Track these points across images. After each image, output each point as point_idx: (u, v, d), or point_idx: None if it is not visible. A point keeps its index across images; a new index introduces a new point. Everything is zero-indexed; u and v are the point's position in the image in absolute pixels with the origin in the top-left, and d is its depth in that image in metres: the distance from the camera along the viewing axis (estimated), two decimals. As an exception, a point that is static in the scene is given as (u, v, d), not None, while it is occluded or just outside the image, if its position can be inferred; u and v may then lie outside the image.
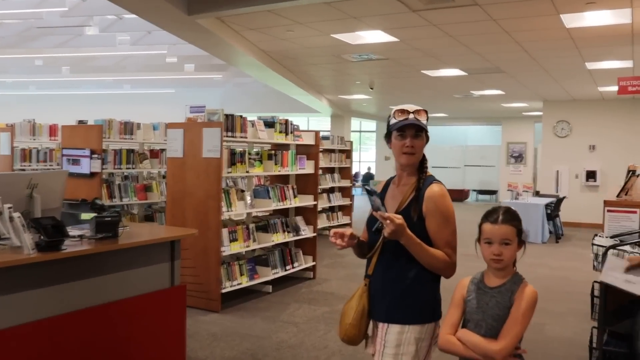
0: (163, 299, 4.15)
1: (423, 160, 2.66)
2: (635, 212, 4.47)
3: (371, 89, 12.85)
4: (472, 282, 2.50)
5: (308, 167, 7.84)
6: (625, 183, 5.20)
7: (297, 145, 7.78)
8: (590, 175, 14.55)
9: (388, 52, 8.51)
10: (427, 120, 2.60)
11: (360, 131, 24.81)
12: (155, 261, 4.08)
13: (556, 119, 15.11)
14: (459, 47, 7.91)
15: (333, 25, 6.93)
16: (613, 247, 3.99)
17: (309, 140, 7.96)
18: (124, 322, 3.81)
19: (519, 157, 20.85)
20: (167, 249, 4.16)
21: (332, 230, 2.60)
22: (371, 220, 2.67)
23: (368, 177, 24.23)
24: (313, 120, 22.45)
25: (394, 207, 2.58)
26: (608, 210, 4.55)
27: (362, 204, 18.69)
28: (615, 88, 12.38)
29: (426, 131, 2.61)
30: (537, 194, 14.12)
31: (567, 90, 12.85)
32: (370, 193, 2.42)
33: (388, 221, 2.36)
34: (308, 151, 7.95)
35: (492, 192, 21.54)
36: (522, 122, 20.74)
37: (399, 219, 2.38)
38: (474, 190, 22.20)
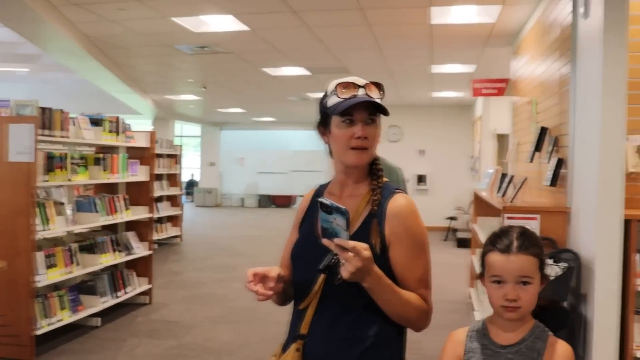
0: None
1: (374, 159, 1.82)
2: (534, 219, 4.04)
3: (204, 88, 11.79)
4: (471, 337, 1.70)
5: (141, 174, 6.69)
6: (519, 188, 4.81)
7: (128, 148, 6.60)
8: (421, 179, 14.89)
9: (233, 44, 7.57)
10: (382, 98, 1.75)
11: (181, 136, 23.36)
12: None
13: (389, 124, 15.21)
14: (312, 41, 7.22)
15: (175, 6, 5.85)
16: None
17: (141, 142, 6.80)
18: None
19: (344, 163, 20.99)
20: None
21: (250, 272, 1.67)
22: (306, 250, 1.78)
23: (191, 184, 22.91)
24: (131, 124, 20.66)
25: None
26: (508, 218, 4.05)
27: (191, 215, 17.38)
28: (447, 94, 12.68)
29: (382, 113, 1.75)
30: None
31: (402, 95, 12.86)
32: (327, 209, 1.49)
33: (350, 254, 1.48)
34: (141, 155, 6.80)
35: (319, 197, 21.38)
36: (349, 128, 20.89)
37: (366, 249, 1.50)
38: (301, 196, 21.80)
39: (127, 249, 6.37)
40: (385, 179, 1.81)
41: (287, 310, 1.87)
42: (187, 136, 24.00)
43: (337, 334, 1.68)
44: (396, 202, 1.72)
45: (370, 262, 1.51)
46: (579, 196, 3.87)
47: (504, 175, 5.64)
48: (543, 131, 4.75)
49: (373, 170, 1.80)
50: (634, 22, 3.60)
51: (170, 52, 8.02)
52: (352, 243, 1.47)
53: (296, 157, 21.86)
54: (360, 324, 1.68)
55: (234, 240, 12.47)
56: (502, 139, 11.52)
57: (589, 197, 3.61)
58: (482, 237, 5.18)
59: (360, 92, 1.71)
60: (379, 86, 1.74)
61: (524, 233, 1.64)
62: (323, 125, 1.81)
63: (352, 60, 8.60)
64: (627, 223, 3.42)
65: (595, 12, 3.58)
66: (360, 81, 1.72)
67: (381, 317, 1.67)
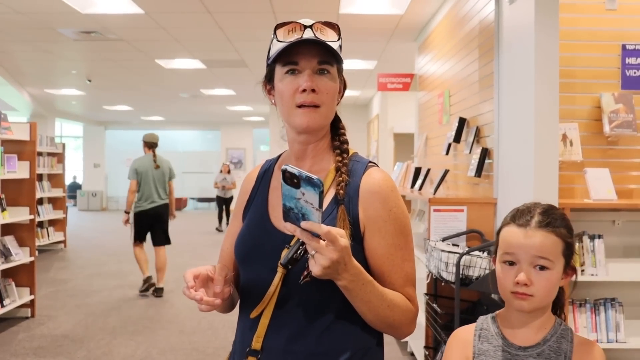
0: None
1: (337, 123, 1.47)
2: (461, 211, 3.88)
3: (88, 81, 10.93)
4: (480, 336, 1.41)
5: (21, 171, 5.97)
6: (440, 180, 4.65)
7: (4, 141, 5.87)
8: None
9: (124, 30, 6.95)
10: (340, 44, 1.37)
11: (61, 136, 21.84)
12: None
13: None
14: (212, 29, 6.77)
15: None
16: (466, 253, 3.28)
17: (21, 134, 6.07)
18: None
19: (238, 163, 20.50)
20: None
21: (190, 274, 1.25)
22: (256, 242, 1.41)
23: (73, 187, 21.47)
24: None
25: None
26: (435, 210, 3.86)
27: (75, 219, 16.15)
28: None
29: (340, 64, 1.40)
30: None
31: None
32: (294, 181, 1.09)
33: (323, 242, 1.13)
34: (21, 149, 6.09)
35: (212, 200, 20.77)
36: (242, 128, 20.48)
37: (343, 236, 1.15)
38: (193, 199, 21.16)
39: (5, 255, 5.64)
40: (354, 151, 1.48)
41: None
42: (67, 136, 22.47)
43: (303, 349, 1.31)
44: (372, 178, 1.37)
45: (347, 253, 1.16)
46: (507, 187, 3.74)
47: (417, 170, 5.49)
48: (462, 122, 4.63)
49: (337, 140, 1.46)
50: (561, 11, 3.52)
51: (52, 36, 7.25)
52: (325, 227, 1.11)
53: (186, 158, 21.13)
54: (332, 335, 1.33)
55: (126, 245, 11.59)
56: (398, 138, 11.57)
57: (521, 187, 3.48)
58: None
59: (307, 33, 1.33)
60: (333, 27, 1.36)
61: (550, 209, 1.36)
62: (269, 79, 1.44)
63: (250, 53, 8.21)
64: (560, 212, 3.32)
65: (524, -1, 3.46)
66: (307, 21, 1.35)
67: (359, 324, 1.34)
